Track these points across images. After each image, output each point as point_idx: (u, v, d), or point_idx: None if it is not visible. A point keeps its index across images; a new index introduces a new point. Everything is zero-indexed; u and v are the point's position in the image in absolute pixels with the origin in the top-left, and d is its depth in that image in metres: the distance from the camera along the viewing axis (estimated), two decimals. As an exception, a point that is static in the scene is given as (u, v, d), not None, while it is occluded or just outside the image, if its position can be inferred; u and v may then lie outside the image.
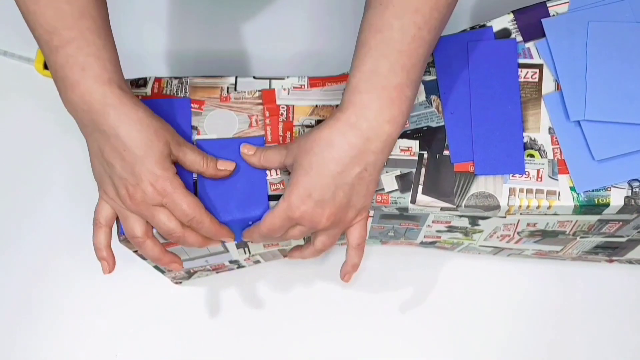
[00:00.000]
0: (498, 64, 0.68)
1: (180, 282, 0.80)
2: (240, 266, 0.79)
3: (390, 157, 0.66)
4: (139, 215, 0.62)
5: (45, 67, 0.85)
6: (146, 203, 0.61)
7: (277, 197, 0.65)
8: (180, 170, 0.64)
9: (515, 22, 0.69)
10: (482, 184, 0.65)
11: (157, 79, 0.70)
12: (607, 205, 0.64)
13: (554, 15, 0.68)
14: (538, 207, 0.64)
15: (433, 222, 0.70)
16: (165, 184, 0.60)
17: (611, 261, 0.79)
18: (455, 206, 0.65)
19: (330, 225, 0.62)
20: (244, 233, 0.66)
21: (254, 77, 0.70)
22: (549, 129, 0.66)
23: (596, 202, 0.64)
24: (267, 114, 0.68)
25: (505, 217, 0.67)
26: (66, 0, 0.59)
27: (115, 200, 0.62)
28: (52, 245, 0.81)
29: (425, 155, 0.66)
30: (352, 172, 0.60)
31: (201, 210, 0.62)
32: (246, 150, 0.66)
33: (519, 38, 0.68)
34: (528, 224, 0.69)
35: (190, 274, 0.78)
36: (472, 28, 0.70)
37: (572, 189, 0.64)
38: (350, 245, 0.66)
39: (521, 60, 0.68)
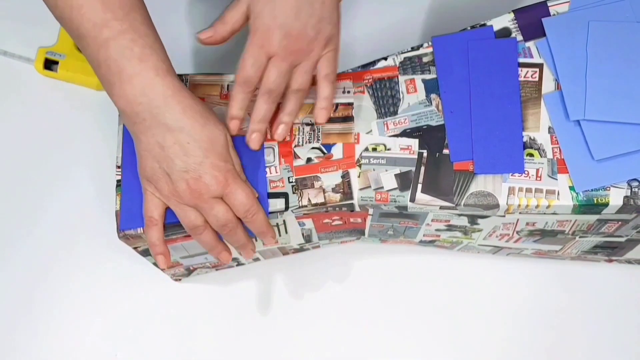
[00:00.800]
0: (498, 63, 0.68)
1: (180, 280, 0.80)
2: (239, 264, 0.79)
3: (390, 155, 0.66)
4: (195, 208, 0.62)
5: (46, 66, 0.85)
6: (206, 196, 0.61)
7: (276, 195, 0.66)
8: None
9: (515, 21, 0.69)
10: (482, 183, 0.65)
11: (158, 77, 0.70)
12: (606, 204, 0.64)
13: (554, 15, 0.69)
14: (537, 206, 0.64)
15: (432, 220, 0.70)
16: (228, 175, 0.61)
17: (610, 261, 0.79)
18: (454, 205, 0.65)
19: (303, 55, 0.63)
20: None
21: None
22: (549, 128, 0.66)
23: (595, 201, 0.64)
24: (267, 111, 0.68)
25: (504, 216, 0.67)
26: None
27: (170, 196, 0.62)
28: (52, 245, 0.81)
29: (425, 154, 0.66)
30: None
31: (256, 202, 0.63)
32: (203, 36, 0.65)
33: (519, 37, 0.69)
34: (527, 223, 0.69)
35: (190, 271, 0.78)
36: (472, 27, 0.70)
37: (572, 188, 0.64)
38: (319, 76, 0.66)
39: (521, 60, 0.68)
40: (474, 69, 0.67)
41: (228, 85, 0.70)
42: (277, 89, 0.64)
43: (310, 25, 0.63)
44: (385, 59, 0.70)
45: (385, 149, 0.67)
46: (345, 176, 0.66)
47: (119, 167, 0.67)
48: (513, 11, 0.70)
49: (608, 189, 0.64)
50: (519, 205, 0.64)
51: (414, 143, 0.67)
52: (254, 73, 0.63)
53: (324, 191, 0.66)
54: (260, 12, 0.62)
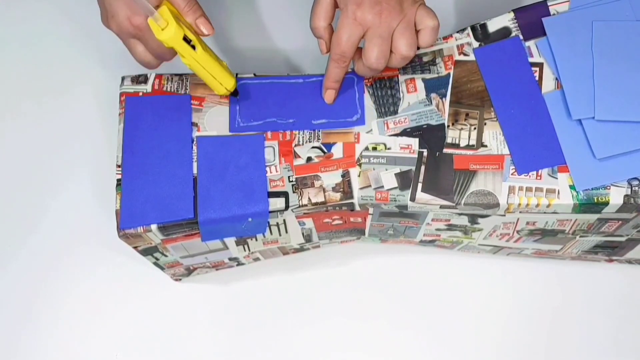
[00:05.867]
0: (509, 63, 0.68)
1: (180, 279, 0.80)
2: (239, 263, 0.79)
3: (390, 154, 0.66)
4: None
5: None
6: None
7: (276, 194, 0.66)
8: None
9: (515, 20, 0.69)
10: (482, 182, 0.65)
11: (158, 76, 0.70)
12: (606, 203, 0.64)
13: (554, 14, 0.69)
14: (537, 205, 0.64)
15: (432, 220, 0.70)
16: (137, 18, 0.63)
17: (611, 261, 0.79)
18: (454, 204, 0.65)
19: (392, 21, 0.63)
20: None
21: (255, 75, 0.70)
22: (549, 127, 0.66)
23: (595, 200, 0.64)
24: (267, 111, 0.69)
25: (504, 215, 0.67)
26: None
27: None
28: (52, 244, 0.81)
29: (425, 153, 0.66)
30: None
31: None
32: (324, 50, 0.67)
33: (520, 37, 0.69)
34: (527, 223, 0.69)
35: (190, 271, 0.78)
36: (472, 27, 0.70)
37: (572, 187, 0.64)
38: (397, 54, 0.65)
39: (521, 59, 0.68)
40: (488, 75, 0.67)
41: (228, 85, 0.70)
42: (378, 67, 0.65)
43: None
44: (386, 58, 0.70)
45: (386, 148, 0.67)
46: (346, 175, 0.66)
47: (119, 166, 0.67)
48: (513, 10, 0.70)
49: (608, 187, 0.64)
50: (519, 204, 0.64)
51: (414, 142, 0.67)
52: (349, 48, 0.65)
53: (324, 190, 0.66)
54: None
